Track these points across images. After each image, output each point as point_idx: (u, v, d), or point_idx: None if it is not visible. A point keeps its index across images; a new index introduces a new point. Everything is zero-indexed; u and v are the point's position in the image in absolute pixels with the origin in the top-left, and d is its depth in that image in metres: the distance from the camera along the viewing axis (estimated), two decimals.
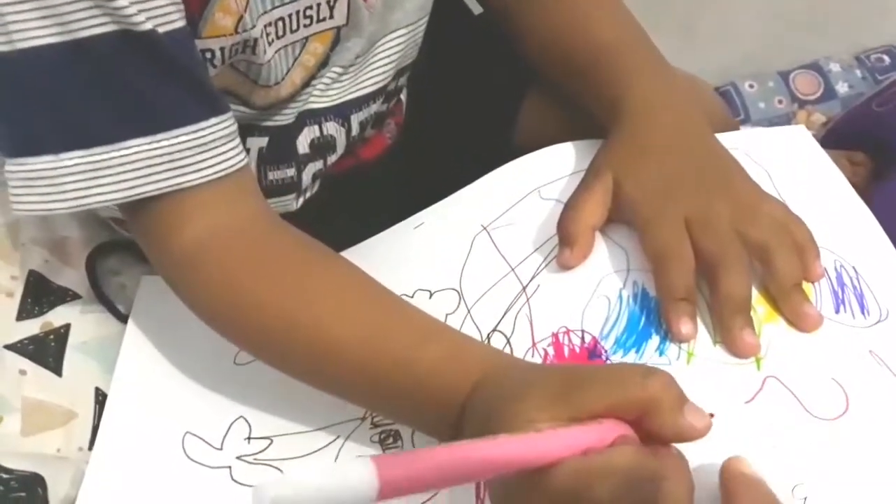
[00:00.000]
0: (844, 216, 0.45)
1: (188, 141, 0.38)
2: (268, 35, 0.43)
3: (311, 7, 0.44)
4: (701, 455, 0.34)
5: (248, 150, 0.48)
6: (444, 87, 0.59)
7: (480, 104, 0.58)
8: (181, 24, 0.37)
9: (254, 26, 0.41)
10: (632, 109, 0.44)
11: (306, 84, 0.47)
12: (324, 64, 0.47)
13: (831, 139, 0.82)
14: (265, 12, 0.42)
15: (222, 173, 0.39)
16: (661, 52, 0.49)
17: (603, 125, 0.47)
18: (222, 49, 0.41)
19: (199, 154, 0.38)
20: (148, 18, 0.35)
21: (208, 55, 0.41)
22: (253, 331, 0.39)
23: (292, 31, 0.44)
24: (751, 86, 0.90)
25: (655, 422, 0.31)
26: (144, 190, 0.38)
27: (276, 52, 0.44)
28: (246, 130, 0.47)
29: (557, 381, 0.32)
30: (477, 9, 0.59)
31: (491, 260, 0.46)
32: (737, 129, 0.76)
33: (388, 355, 0.37)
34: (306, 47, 0.46)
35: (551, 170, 0.49)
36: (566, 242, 0.43)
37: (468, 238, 0.47)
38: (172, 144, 0.37)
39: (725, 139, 0.46)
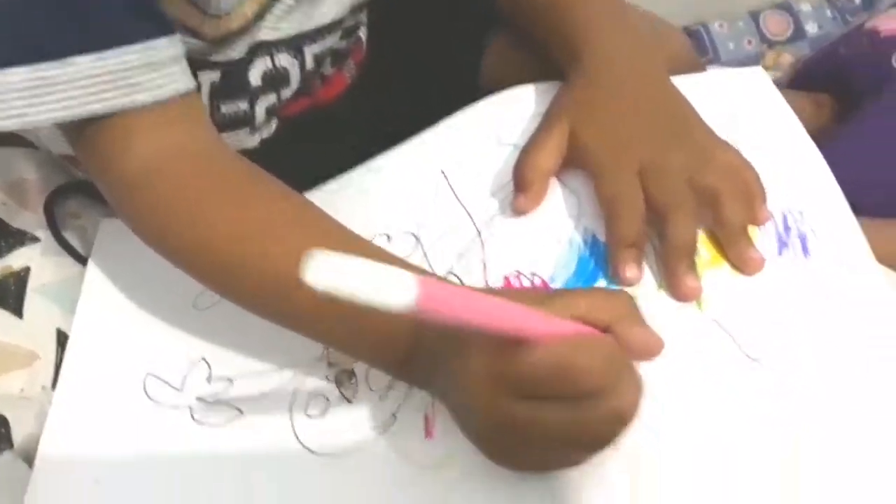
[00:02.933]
0: (796, 160, 0.46)
1: (136, 59, 0.37)
2: None
3: None
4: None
5: (200, 85, 0.47)
6: (406, 25, 0.58)
7: (444, 44, 0.58)
8: None
9: None
10: (589, 56, 0.44)
11: (259, 16, 0.46)
12: None
13: (798, 81, 0.82)
14: None
15: (171, 93, 0.39)
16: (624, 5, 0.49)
17: (562, 69, 0.47)
18: None
19: (147, 73, 0.38)
20: None
21: None
22: (199, 256, 0.39)
23: None
24: (720, 25, 0.90)
25: (624, 329, 0.32)
26: (91, 109, 0.37)
27: None
28: (198, 65, 0.46)
29: (531, 292, 0.35)
30: None
31: (448, 205, 0.46)
32: (703, 70, 0.76)
33: None
34: None
35: (510, 114, 0.49)
36: (521, 188, 0.43)
37: (426, 183, 0.48)
38: (120, 62, 0.37)
39: (684, 81, 0.47)
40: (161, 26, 0.38)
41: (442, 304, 0.25)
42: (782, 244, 0.41)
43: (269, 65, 0.48)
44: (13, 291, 0.49)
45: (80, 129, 0.39)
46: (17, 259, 0.50)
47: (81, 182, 0.54)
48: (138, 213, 0.40)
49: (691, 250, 0.39)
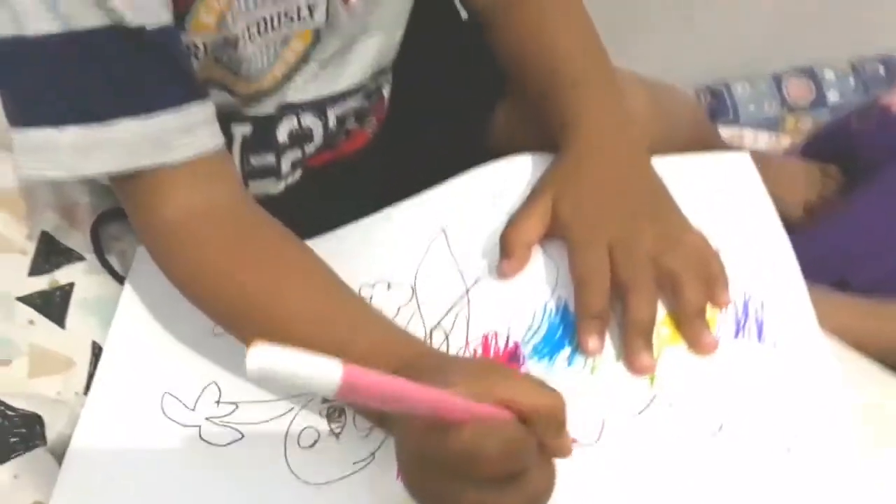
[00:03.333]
0: (765, 247, 0.49)
1: (172, 122, 0.43)
2: (249, 33, 0.47)
3: (291, 9, 0.48)
4: (588, 458, 0.40)
5: (232, 136, 0.53)
6: (427, 86, 0.63)
7: (459, 105, 0.63)
8: (168, 20, 0.42)
9: (235, 24, 0.46)
10: (577, 139, 0.49)
11: (287, 77, 0.52)
12: (304, 59, 0.52)
13: (811, 148, 0.85)
14: (247, 12, 0.46)
15: (200, 153, 0.44)
16: (616, 79, 0.53)
17: (556, 144, 0.51)
18: (205, 44, 0.46)
19: (180, 135, 0.43)
20: (137, 16, 0.40)
21: (193, 48, 0.46)
22: (217, 301, 0.45)
23: (273, 30, 0.49)
24: (743, 87, 0.92)
25: (542, 428, 0.35)
26: (129, 165, 0.43)
27: (257, 48, 0.48)
28: (231, 118, 0.52)
29: (475, 366, 0.39)
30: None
31: (444, 260, 0.51)
32: (715, 133, 0.79)
33: (330, 337, 0.42)
34: (288, 44, 0.50)
35: (507, 181, 0.53)
36: (505, 254, 0.48)
37: (427, 238, 0.52)
38: (158, 125, 0.42)
39: (670, 162, 0.51)
40: (195, 92, 0.44)
41: (363, 391, 0.28)
42: (739, 328, 0.45)
43: (296, 124, 0.54)
44: (58, 304, 0.55)
45: (120, 179, 0.45)
46: (64, 275, 0.56)
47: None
48: (165, 259, 0.46)
49: (648, 328, 0.43)
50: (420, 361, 0.39)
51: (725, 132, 0.89)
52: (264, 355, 0.26)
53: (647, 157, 0.49)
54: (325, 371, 0.27)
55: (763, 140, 0.90)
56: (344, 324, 0.42)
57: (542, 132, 0.54)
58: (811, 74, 0.93)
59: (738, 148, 0.87)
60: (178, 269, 0.46)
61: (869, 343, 0.56)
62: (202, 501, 0.44)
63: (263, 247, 0.45)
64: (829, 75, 0.92)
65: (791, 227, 0.78)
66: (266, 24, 0.48)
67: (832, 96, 0.91)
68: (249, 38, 0.47)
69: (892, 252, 0.70)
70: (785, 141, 0.90)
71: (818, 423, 0.41)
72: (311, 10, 0.49)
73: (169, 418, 0.48)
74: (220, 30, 0.45)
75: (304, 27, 0.50)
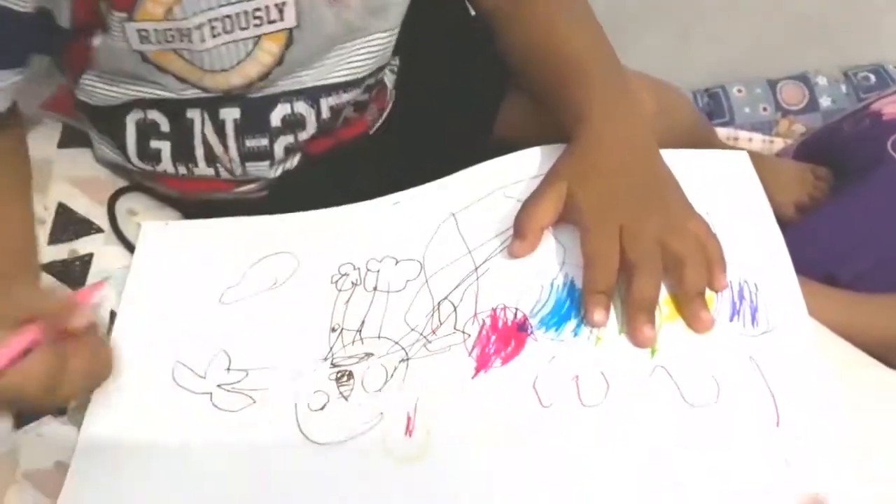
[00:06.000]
0: (760, 238, 0.51)
1: None
2: (213, 28, 0.49)
3: (259, 9, 0.50)
4: (593, 418, 0.42)
5: (223, 121, 0.55)
6: (433, 79, 0.65)
7: (464, 97, 0.65)
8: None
9: (186, 18, 0.48)
10: (589, 130, 0.51)
11: (264, 77, 0.53)
12: (279, 62, 0.53)
13: (804, 151, 0.87)
14: (209, 9, 0.48)
15: None
16: (624, 72, 0.55)
17: (567, 133, 0.53)
18: (155, 30, 0.48)
19: None
20: None
21: (144, 33, 0.48)
22: None
23: (241, 29, 0.50)
24: (739, 91, 0.95)
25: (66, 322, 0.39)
26: None
27: (221, 43, 0.50)
28: (217, 102, 0.54)
29: None
30: None
31: (453, 241, 0.53)
32: (711, 132, 0.82)
33: None
34: (259, 45, 0.51)
35: (517, 172, 0.55)
36: (518, 236, 0.50)
37: (437, 220, 0.54)
38: None
39: (674, 156, 0.53)
40: None
41: None
42: (734, 311, 0.47)
43: (289, 110, 0.55)
44: (77, 273, 0.57)
45: None
46: (83, 245, 0.58)
47: (140, 184, 0.62)
48: None
49: (651, 305, 0.45)
50: None
51: (721, 133, 0.92)
52: None
53: (656, 146, 0.52)
54: None
55: (757, 141, 0.93)
56: None
57: (547, 124, 0.55)
58: (804, 80, 0.96)
59: (734, 148, 0.90)
60: None
61: (853, 334, 0.59)
62: (216, 465, 0.45)
63: None
64: (821, 81, 0.95)
65: (783, 225, 0.82)
66: (233, 21, 0.49)
67: (824, 101, 0.94)
68: (213, 34, 0.49)
69: (873, 249, 0.73)
70: (778, 143, 0.93)
71: (806, 400, 0.43)
72: (280, 10, 0.50)
73: (180, 386, 0.49)
74: (167, 19, 0.47)
75: (275, 28, 0.51)
